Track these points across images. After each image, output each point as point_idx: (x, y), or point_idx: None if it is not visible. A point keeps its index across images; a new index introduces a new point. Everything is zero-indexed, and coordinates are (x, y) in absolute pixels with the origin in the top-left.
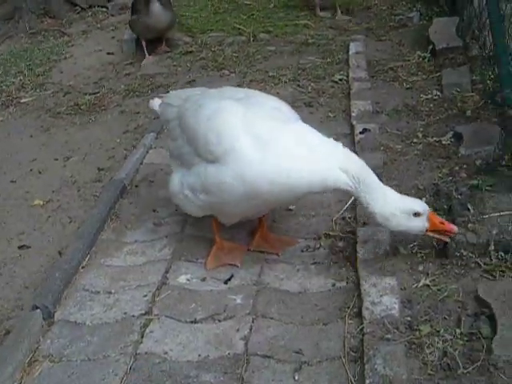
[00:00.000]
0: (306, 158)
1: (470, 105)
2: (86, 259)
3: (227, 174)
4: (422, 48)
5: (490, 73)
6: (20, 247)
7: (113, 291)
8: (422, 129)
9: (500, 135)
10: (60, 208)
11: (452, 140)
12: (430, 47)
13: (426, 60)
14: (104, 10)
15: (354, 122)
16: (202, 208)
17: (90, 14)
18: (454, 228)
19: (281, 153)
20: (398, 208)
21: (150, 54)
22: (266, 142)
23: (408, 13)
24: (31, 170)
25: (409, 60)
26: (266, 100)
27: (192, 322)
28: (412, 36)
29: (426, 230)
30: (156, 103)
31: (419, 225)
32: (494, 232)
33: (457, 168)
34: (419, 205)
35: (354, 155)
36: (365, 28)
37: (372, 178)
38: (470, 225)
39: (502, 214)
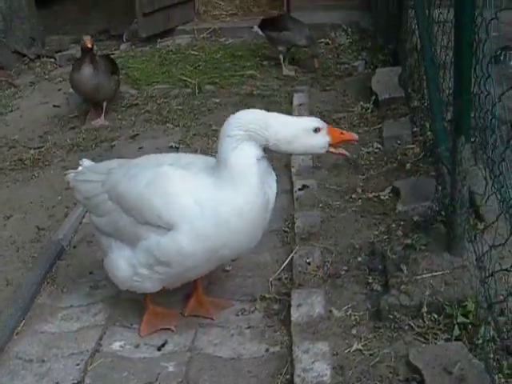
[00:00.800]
0: (240, 187)
1: (410, 157)
2: (21, 325)
3: (183, 238)
4: (366, 98)
5: (429, 125)
6: None
7: (45, 359)
8: (361, 184)
9: (436, 190)
10: None
11: (390, 195)
12: (373, 98)
13: (369, 111)
14: (52, 60)
15: (294, 178)
16: (162, 280)
17: (38, 64)
18: (354, 135)
19: (221, 200)
20: (298, 128)
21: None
22: (208, 197)
23: (353, 61)
24: None
25: (352, 111)
26: (194, 160)
27: None
28: (356, 85)
29: (329, 145)
30: (71, 177)
31: (322, 140)
32: (427, 293)
33: (394, 225)
34: (317, 120)
35: (241, 119)
36: (310, 78)
37: (261, 117)
38: (402, 286)
39: (434, 274)
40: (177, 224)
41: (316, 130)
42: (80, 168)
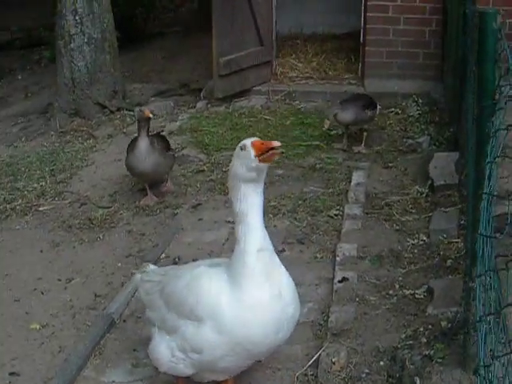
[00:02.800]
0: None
1: (453, 253)
2: None
3: (208, 331)
4: (423, 181)
5: None
6: (10, 373)
7: None
8: (400, 278)
9: (462, 300)
10: (53, 335)
11: (425, 294)
12: (429, 182)
13: (424, 195)
14: (131, 113)
15: (336, 268)
16: (194, 365)
17: (118, 116)
18: (275, 142)
19: (234, 299)
20: (234, 155)
21: (154, 194)
22: (226, 296)
23: (419, 136)
24: (35, 289)
25: (408, 194)
26: (225, 260)
27: None
28: (417, 164)
29: (257, 158)
30: (138, 278)
31: (247, 155)
32: None
33: (421, 329)
34: (244, 140)
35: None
36: (375, 152)
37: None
38: None
39: None
40: (203, 319)
41: (242, 148)
42: (146, 270)
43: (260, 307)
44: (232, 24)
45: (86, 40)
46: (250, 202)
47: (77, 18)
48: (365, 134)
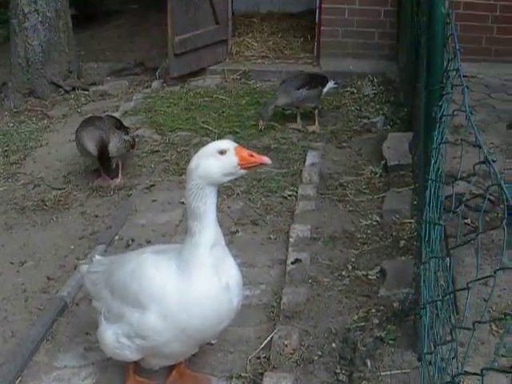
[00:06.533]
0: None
1: (406, 233)
2: (17, 382)
3: (152, 317)
4: (377, 161)
5: None
6: None
7: None
8: (353, 259)
9: (413, 282)
10: (5, 320)
11: (378, 275)
12: (383, 162)
13: (378, 175)
14: (86, 93)
15: (290, 250)
16: (140, 351)
17: (72, 96)
18: (264, 159)
19: (181, 289)
20: (204, 153)
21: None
22: (172, 284)
23: (374, 116)
24: None
25: (362, 174)
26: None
27: None
28: (372, 144)
29: (240, 166)
30: (84, 269)
31: (228, 160)
32: None
33: (373, 310)
34: (223, 143)
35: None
36: (329, 131)
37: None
38: (364, 382)
39: (393, 372)
40: (148, 305)
41: (222, 152)
42: (93, 261)
43: (207, 299)
44: (187, 2)
45: (40, 19)
46: (209, 203)
47: None
48: (316, 112)
